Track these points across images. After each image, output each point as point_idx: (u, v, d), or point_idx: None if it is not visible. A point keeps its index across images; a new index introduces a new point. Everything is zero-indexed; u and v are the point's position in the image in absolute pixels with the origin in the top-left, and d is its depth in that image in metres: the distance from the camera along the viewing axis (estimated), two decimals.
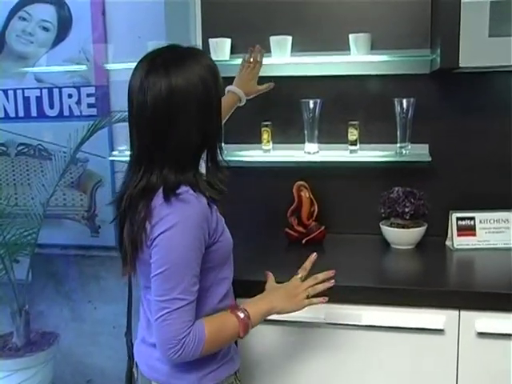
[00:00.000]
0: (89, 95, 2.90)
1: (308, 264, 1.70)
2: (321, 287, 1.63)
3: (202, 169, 1.53)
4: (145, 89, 1.38)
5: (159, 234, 1.39)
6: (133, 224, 1.44)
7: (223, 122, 1.86)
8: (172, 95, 1.37)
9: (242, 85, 2.21)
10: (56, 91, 2.95)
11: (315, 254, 1.70)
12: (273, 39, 2.36)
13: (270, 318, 1.64)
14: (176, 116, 1.38)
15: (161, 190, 1.42)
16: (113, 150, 2.82)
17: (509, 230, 2.27)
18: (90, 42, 2.81)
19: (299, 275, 1.66)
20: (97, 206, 3.00)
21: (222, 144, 1.53)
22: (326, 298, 1.63)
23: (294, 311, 1.61)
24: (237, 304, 1.58)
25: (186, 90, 1.38)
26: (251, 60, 2.23)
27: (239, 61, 2.32)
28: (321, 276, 1.66)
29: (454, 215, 2.31)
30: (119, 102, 2.73)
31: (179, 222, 1.38)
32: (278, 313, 1.60)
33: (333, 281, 1.65)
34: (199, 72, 1.40)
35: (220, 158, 1.52)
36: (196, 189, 1.43)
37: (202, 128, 1.43)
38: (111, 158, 2.71)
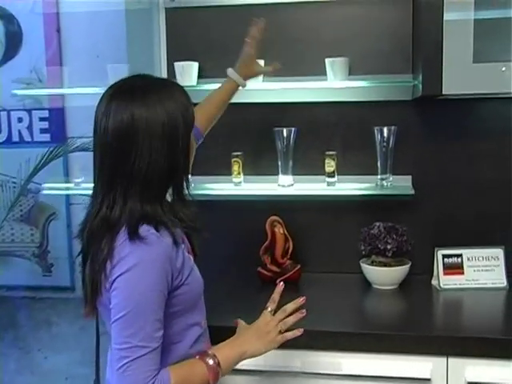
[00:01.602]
0: (41, 119, 2.85)
1: (276, 296, 1.69)
2: (292, 319, 1.63)
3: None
4: (108, 115, 1.41)
5: (118, 277, 1.38)
6: (94, 262, 1.43)
7: (219, 114, 2.01)
8: (133, 125, 1.39)
9: (242, 65, 2.14)
10: (4, 114, 2.89)
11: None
12: None
13: (242, 366, 1.61)
14: (137, 146, 1.40)
15: (125, 227, 1.42)
16: (68, 180, 2.74)
17: (499, 268, 2.27)
18: (43, 61, 2.76)
19: (268, 309, 1.66)
20: (49, 241, 2.93)
21: (190, 178, 1.54)
22: (301, 330, 1.63)
23: (268, 350, 1.60)
24: (206, 350, 1.56)
25: (149, 121, 1.40)
26: (257, 33, 2.11)
27: (207, 86, 2.32)
28: (290, 307, 1.65)
29: (440, 252, 2.32)
30: (77, 127, 2.70)
31: (139, 263, 1.37)
32: (252, 356, 1.59)
33: (304, 310, 1.65)
34: (168, 107, 1.43)
35: (186, 192, 1.52)
36: (161, 225, 1.43)
37: (167, 161, 1.44)
38: (65, 192, 2.66)
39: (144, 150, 1.40)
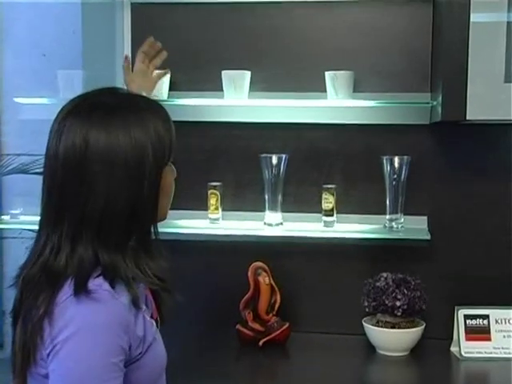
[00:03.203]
0: None
1: (147, 48, 2.15)
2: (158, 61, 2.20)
3: None
4: (60, 135, 1.37)
5: (57, 344, 1.29)
6: (27, 321, 1.35)
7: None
8: (86, 153, 1.34)
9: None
10: None
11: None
12: (226, 74, 2.35)
13: None
14: (90, 179, 1.35)
15: (71, 280, 1.34)
16: (2, 212, 2.63)
17: None
18: None
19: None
20: None
21: (157, 224, 1.48)
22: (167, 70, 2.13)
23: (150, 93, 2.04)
24: None
25: (106, 150, 1.35)
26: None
27: (180, 101, 2.34)
28: (146, 48, 2.20)
29: (462, 312, 2.28)
30: (16, 143, 2.64)
31: (85, 327, 1.29)
32: None
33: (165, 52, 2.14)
34: (135, 133, 1.38)
35: (152, 241, 1.46)
36: (119, 281, 1.35)
37: (129, 201, 1.38)
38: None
39: (99, 184, 1.35)
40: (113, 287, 1.34)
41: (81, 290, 1.32)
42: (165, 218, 1.51)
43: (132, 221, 1.41)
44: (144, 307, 1.42)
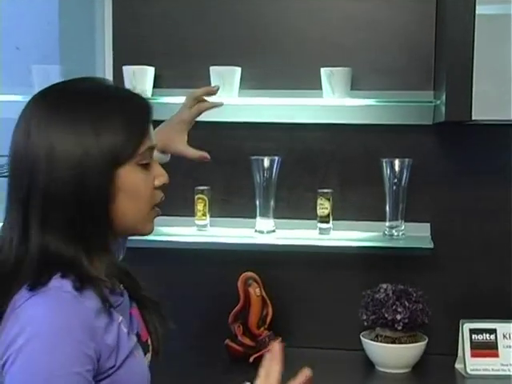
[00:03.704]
0: None
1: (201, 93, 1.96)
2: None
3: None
4: (16, 125, 1.36)
5: (13, 352, 1.24)
6: None
7: None
8: (29, 139, 1.33)
9: (167, 133, 2.02)
10: None
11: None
12: (214, 71, 2.34)
13: None
14: (30, 168, 1.33)
15: (29, 281, 1.29)
16: None
17: None
18: None
19: None
20: None
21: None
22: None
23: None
24: None
25: (48, 139, 1.33)
26: (201, 94, 2.00)
27: (165, 99, 2.31)
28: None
29: (467, 326, 2.28)
30: None
31: (43, 332, 1.24)
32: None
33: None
34: (83, 124, 1.34)
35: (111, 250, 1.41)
36: (85, 284, 1.30)
37: (74, 196, 1.35)
38: None
39: (39, 178, 1.33)
40: (78, 290, 1.30)
41: (38, 289, 1.28)
42: (143, 228, 1.45)
43: (85, 225, 1.36)
44: (120, 318, 1.36)
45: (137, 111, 1.42)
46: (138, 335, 1.46)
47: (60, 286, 1.29)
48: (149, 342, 1.52)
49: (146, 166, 1.41)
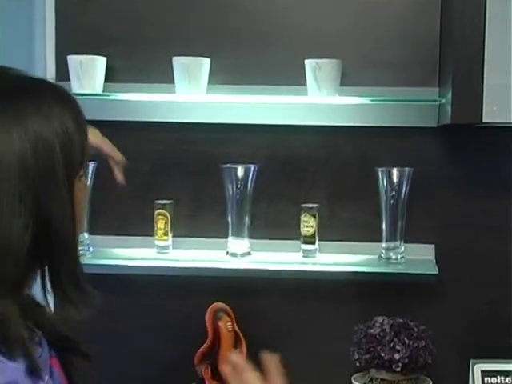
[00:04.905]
0: None
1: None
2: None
3: None
4: None
5: None
6: None
7: None
8: None
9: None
10: None
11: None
12: (178, 62, 2.33)
13: None
14: None
15: None
16: None
17: None
18: None
19: None
20: None
21: (80, 248, 1.39)
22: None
23: None
24: None
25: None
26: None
27: (119, 95, 2.35)
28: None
29: (478, 367, 2.28)
30: None
31: None
32: None
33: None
34: (34, 128, 1.31)
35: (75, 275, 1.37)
36: (11, 340, 1.26)
37: (37, 213, 1.30)
38: None
39: None
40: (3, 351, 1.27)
41: None
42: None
43: (37, 251, 1.32)
44: (47, 377, 1.33)
45: (78, 110, 1.42)
46: None
47: None
48: None
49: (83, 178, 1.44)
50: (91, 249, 2.31)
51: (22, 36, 2.37)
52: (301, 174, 2.46)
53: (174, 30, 2.46)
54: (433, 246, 2.39)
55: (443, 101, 2.25)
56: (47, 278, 1.40)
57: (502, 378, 2.26)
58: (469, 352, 2.33)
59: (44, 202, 1.33)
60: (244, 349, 2.37)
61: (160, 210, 2.42)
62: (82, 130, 1.41)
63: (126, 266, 2.41)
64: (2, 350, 1.25)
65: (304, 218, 2.36)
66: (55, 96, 1.39)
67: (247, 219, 2.38)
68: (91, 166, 2.28)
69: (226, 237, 2.39)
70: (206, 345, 2.36)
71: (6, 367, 1.25)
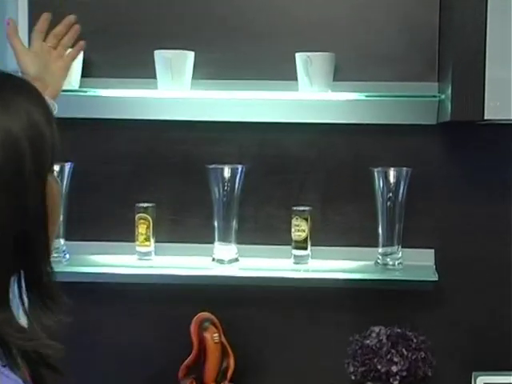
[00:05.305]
0: None
1: (61, 28, 2.17)
2: (68, 37, 2.14)
3: None
4: None
5: None
6: None
7: None
8: None
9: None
10: None
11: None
12: (160, 56, 2.33)
13: None
14: None
15: None
16: None
17: None
18: None
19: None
20: None
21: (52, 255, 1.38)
22: (82, 43, 2.17)
23: (63, 81, 2.13)
24: None
25: None
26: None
27: (97, 91, 2.35)
28: (57, 29, 2.15)
29: (481, 380, 2.27)
30: None
31: None
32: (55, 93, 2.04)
33: (77, 26, 2.15)
34: (4, 122, 1.29)
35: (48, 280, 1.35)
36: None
37: (12, 211, 1.28)
38: None
39: None
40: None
41: None
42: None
43: (17, 253, 1.31)
44: None
45: (46, 104, 1.41)
46: None
47: None
48: None
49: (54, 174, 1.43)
50: (67, 256, 2.29)
51: None
52: (291, 175, 2.46)
53: (156, 21, 2.45)
54: (432, 250, 2.40)
55: (443, 96, 2.25)
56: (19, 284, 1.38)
57: None
58: (471, 364, 2.33)
59: (17, 199, 1.31)
60: (231, 361, 2.38)
61: (141, 214, 2.41)
62: (52, 125, 1.37)
63: (105, 273, 2.40)
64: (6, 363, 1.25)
65: (295, 221, 2.36)
66: (21, 90, 1.37)
67: (235, 223, 2.38)
68: (67, 167, 2.25)
69: (212, 242, 2.38)
70: (190, 357, 2.36)
71: (6, 379, 1.24)
